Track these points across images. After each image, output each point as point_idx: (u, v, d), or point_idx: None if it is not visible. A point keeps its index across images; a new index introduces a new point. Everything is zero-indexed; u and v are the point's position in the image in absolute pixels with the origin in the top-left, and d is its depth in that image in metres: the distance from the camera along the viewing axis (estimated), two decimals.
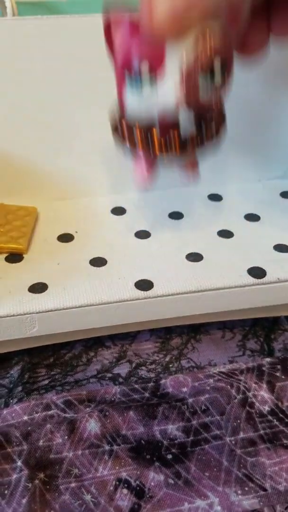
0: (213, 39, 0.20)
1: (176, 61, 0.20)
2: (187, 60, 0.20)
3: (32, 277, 0.26)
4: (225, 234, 0.30)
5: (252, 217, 0.31)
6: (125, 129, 0.23)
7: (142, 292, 0.25)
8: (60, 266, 0.27)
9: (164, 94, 0.20)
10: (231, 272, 0.26)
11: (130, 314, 0.25)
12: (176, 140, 0.22)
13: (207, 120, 0.23)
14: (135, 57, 0.20)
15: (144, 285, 0.26)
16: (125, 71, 0.21)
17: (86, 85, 0.30)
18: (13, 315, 0.24)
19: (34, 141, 0.31)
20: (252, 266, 0.27)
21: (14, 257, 0.27)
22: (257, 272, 0.26)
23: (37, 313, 0.24)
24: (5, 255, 0.27)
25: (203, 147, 0.23)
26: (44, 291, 0.25)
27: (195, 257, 0.28)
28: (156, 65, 0.20)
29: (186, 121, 0.23)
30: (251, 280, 0.26)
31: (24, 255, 0.28)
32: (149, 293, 0.25)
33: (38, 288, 0.25)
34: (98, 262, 0.27)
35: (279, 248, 0.28)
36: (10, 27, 0.28)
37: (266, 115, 0.33)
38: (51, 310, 0.24)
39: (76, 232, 0.30)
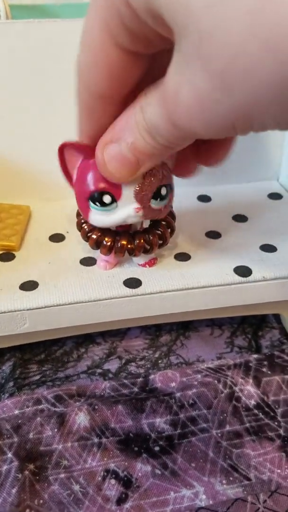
0: (159, 174, 0.24)
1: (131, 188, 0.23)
2: (139, 192, 0.23)
3: (23, 275, 0.27)
4: (213, 235, 0.30)
5: (240, 218, 0.32)
6: (85, 232, 0.27)
7: (131, 289, 0.26)
8: (51, 265, 0.28)
9: (124, 211, 0.24)
10: (217, 271, 0.27)
11: (119, 311, 0.26)
12: (124, 247, 0.26)
13: (154, 232, 0.27)
14: (96, 190, 0.23)
15: (132, 283, 0.26)
16: (88, 200, 0.24)
17: None
18: (4, 312, 0.24)
19: (28, 142, 0.32)
20: (238, 265, 0.27)
21: (7, 255, 0.28)
22: (243, 271, 0.27)
23: (27, 310, 0.25)
24: None
25: (153, 251, 0.27)
26: (35, 288, 0.26)
27: (183, 257, 0.28)
28: (116, 195, 0.24)
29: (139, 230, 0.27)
30: (237, 278, 0.27)
31: (16, 254, 0.28)
32: (137, 290, 0.26)
33: (29, 286, 0.26)
34: (88, 261, 0.28)
35: (266, 248, 0.29)
36: (3, 30, 0.28)
37: None
38: (42, 307, 0.25)
39: (68, 232, 0.31)
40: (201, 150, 0.23)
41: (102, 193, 0.23)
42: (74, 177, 0.24)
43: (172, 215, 0.28)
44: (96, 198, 0.24)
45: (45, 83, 0.30)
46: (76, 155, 0.24)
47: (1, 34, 0.29)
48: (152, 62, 0.19)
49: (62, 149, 0.24)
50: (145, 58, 0.19)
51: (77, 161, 0.24)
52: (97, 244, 0.26)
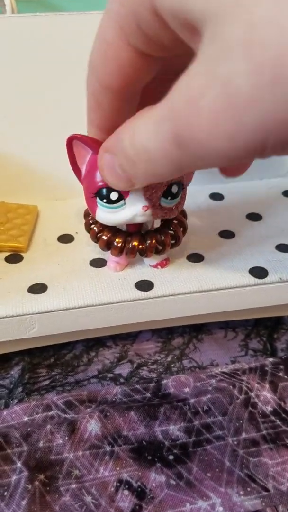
0: None
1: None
2: (148, 189, 0.22)
3: (31, 277, 0.26)
4: (227, 234, 0.29)
5: (254, 217, 0.31)
6: (94, 233, 0.26)
7: (143, 292, 0.25)
8: (60, 267, 0.27)
9: (132, 209, 0.23)
10: (232, 273, 0.26)
11: (130, 314, 0.25)
12: (135, 248, 0.25)
13: (167, 231, 0.26)
14: (103, 186, 0.23)
15: (144, 285, 0.25)
16: (95, 196, 0.23)
17: None
18: (13, 316, 0.23)
19: (36, 141, 0.31)
20: (253, 266, 0.27)
21: (14, 257, 0.27)
22: (258, 272, 0.26)
23: (36, 313, 0.24)
24: (5, 254, 0.27)
25: (165, 251, 0.26)
26: (44, 291, 0.25)
27: (196, 258, 0.28)
28: (124, 192, 0.23)
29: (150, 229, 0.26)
30: (253, 280, 0.26)
31: (24, 256, 0.28)
32: (150, 293, 0.25)
33: (38, 288, 0.25)
34: (98, 263, 0.27)
35: (281, 247, 0.28)
36: (10, 24, 0.28)
37: None
38: (51, 311, 0.24)
39: (77, 233, 0.30)
40: None
41: (109, 189, 0.22)
42: (83, 172, 0.24)
43: (183, 213, 0.27)
44: (103, 194, 0.23)
45: (52, 79, 0.30)
46: (85, 149, 0.23)
47: (7, 28, 0.28)
48: (165, 65, 0.18)
49: (70, 142, 0.23)
50: (157, 60, 0.18)
51: (86, 155, 0.23)
52: (107, 245, 0.25)
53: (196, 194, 0.33)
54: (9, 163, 0.31)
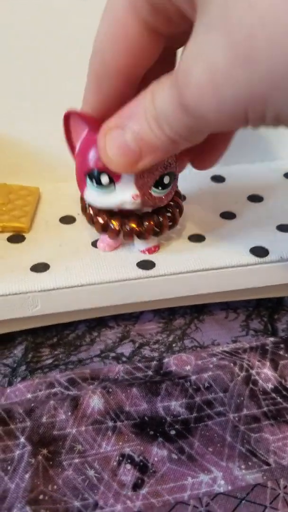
0: (163, 162, 0.22)
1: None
2: (140, 178, 0.22)
3: (34, 257, 0.26)
4: (228, 215, 0.29)
5: (255, 198, 0.31)
6: (90, 216, 0.26)
7: (144, 271, 0.25)
8: (62, 247, 0.27)
9: (121, 195, 0.23)
10: (233, 252, 0.26)
11: (132, 293, 0.25)
12: (133, 230, 0.25)
13: (164, 213, 0.26)
14: (95, 168, 0.22)
15: (146, 264, 0.26)
16: (86, 176, 0.23)
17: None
18: (15, 293, 0.24)
19: (38, 123, 0.31)
20: (254, 245, 0.27)
21: (17, 237, 0.27)
22: (259, 251, 0.26)
23: (39, 291, 0.24)
24: (7, 235, 0.27)
25: (160, 234, 0.26)
26: (46, 270, 0.25)
27: (197, 238, 0.28)
28: (115, 177, 0.22)
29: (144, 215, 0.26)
30: (253, 259, 0.26)
31: (25, 236, 0.28)
32: (151, 272, 0.25)
33: (40, 267, 0.25)
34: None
35: (282, 228, 0.28)
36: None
37: None
38: (53, 289, 0.24)
39: (78, 214, 0.30)
40: (196, 152, 0.23)
41: (101, 172, 0.22)
42: (77, 149, 0.23)
43: (178, 194, 0.27)
44: (94, 176, 0.22)
45: (53, 59, 0.29)
46: (82, 125, 0.23)
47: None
48: (168, 52, 0.19)
49: (68, 117, 0.23)
50: (163, 39, 0.18)
51: (82, 132, 0.23)
52: (103, 229, 0.25)
53: (197, 177, 0.33)
54: (11, 145, 0.31)
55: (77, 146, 0.23)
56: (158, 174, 0.22)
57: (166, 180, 0.23)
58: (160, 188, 0.23)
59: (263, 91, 0.14)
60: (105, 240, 0.26)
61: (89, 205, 0.26)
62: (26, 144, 0.32)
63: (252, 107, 0.15)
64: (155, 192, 0.23)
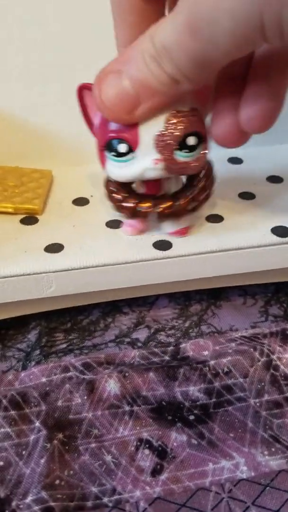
0: (185, 119, 0.20)
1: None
2: (160, 139, 0.20)
3: (47, 238, 0.25)
4: (247, 196, 0.29)
5: (275, 179, 0.30)
6: (115, 201, 0.25)
7: (161, 252, 0.24)
8: (76, 228, 0.26)
9: (142, 162, 0.21)
10: (253, 232, 0.25)
11: (148, 275, 0.25)
12: (147, 210, 0.24)
13: (193, 182, 0.24)
14: (112, 137, 0.21)
15: (163, 245, 0.25)
16: (105, 149, 0.22)
17: (107, 48, 0.29)
18: (29, 274, 0.23)
19: (50, 106, 0.30)
20: (276, 225, 0.26)
21: (29, 219, 0.27)
22: (281, 231, 0.25)
23: (53, 272, 0.23)
24: (20, 217, 0.27)
25: (194, 205, 0.24)
26: (61, 251, 0.24)
27: (215, 218, 0.27)
28: (132, 143, 0.21)
29: (171, 184, 0.24)
30: (275, 239, 0.25)
31: (39, 218, 0.27)
32: (168, 253, 0.24)
33: (54, 248, 0.24)
34: (115, 224, 0.27)
35: None
36: None
37: None
38: (68, 270, 0.23)
39: (92, 196, 0.29)
40: (244, 108, 0.20)
41: (117, 141, 0.21)
42: (96, 123, 0.23)
43: (211, 179, 0.25)
44: (111, 147, 0.21)
45: (68, 40, 0.29)
46: None
47: None
48: None
49: (81, 91, 0.22)
50: None
51: None
52: (133, 213, 0.24)
53: (214, 158, 0.31)
54: (23, 129, 0.31)
55: (95, 120, 0.23)
56: (180, 134, 0.21)
57: (191, 141, 0.21)
58: (184, 151, 0.21)
59: None
60: (132, 224, 0.25)
61: (116, 191, 0.24)
62: (39, 128, 0.31)
63: (267, 18, 0.14)
64: (181, 156, 0.21)
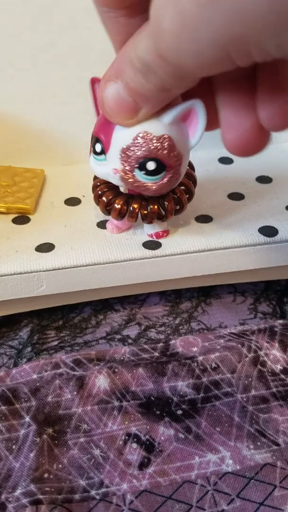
0: (152, 144, 0.21)
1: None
2: (123, 152, 0.21)
3: (39, 237, 0.26)
4: (236, 196, 0.29)
5: (264, 179, 0.31)
6: (97, 195, 0.25)
7: (150, 251, 0.25)
8: (67, 228, 0.27)
9: (107, 166, 0.22)
10: (241, 232, 0.26)
11: (138, 274, 0.25)
12: (135, 211, 0.24)
13: (170, 197, 0.24)
14: (95, 136, 0.22)
15: (152, 244, 0.25)
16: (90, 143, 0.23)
17: (99, 48, 0.29)
18: (20, 273, 0.23)
19: (43, 106, 0.31)
20: (263, 225, 0.26)
21: (21, 219, 0.27)
22: (268, 231, 0.26)
23: (44, 271, 0.24)
24: (12, 216, 0.27)
25: (168, 217, 0.25)
26: (51, 250, 0.25)
27: (204, 219, 0.27)
28: (105, 146, 0.22)
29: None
30: (263, 238, 0.25)
31: (31, 217, 0.27)
32: (157, 252, 0.25)
33: (45, 247, 0.25)
34: (105, 224, 0.27)
35: None
36: None
37: None
38: (59, 269, 0.24)
39: (83, 196, 0.30)
40: (262, 106, 0.18)
41: (97, 139, 0.22)
42: None
43: (193, 179, 0.26)
44: (93, 142, 0.22)
45: (60, 40, 0.29)
46: None
47: None
48: None
49: (93, 83, 0.23)
50: None
51: None
52: (107, 208, 0.25)
53: (205, 158, 0.32)
54: (16, 129, 0.31)
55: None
56: (141, 155, 0.21)
57: (150, 166, 0.21)
58: (143, 172, 0.21)
59: (241, 30, 0.13)
60: (113, 222, 0.26)
61: (100, 185, 0.25)
62: (31, 128, 0.31)
63: (234, 47, 0.14)
64: (139, 176, 0.22)
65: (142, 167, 0.21)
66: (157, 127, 0.21)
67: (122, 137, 0.21)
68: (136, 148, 0.21)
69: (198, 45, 0.14)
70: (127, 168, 0.21)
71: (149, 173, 0.21)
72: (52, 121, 0.31)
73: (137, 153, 0.21)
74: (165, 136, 0.21)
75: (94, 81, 0.23)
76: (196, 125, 0.21)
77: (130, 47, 0.18)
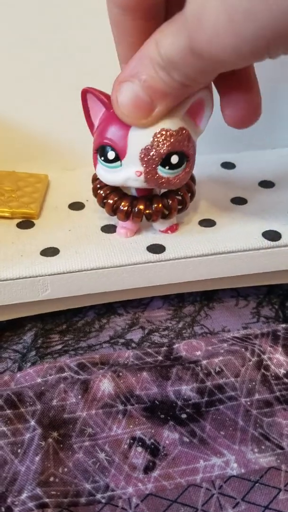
0: (172, 138, 0.21)
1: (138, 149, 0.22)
2: (145, 153, 0.22)
3: (43, 242, 0.26)
4: (239, 201, 0.29)
5: (267, 184, 0.31)
6: (101, 197, 0.26)
7: (154, 255, 0.25)
8: (72, 232, 0.27)
9: (126, 171, 0.22)
10: (244, 236, 0.26)
11: (142, 278, 0.25)
12: (141, 212, 0.25)
13: (174, 196, 0.25)
14: (105, 145, 0.22)
15: (156, 248, 0.25)
16: (97, 152, 0.23)
17: (102, 53, 0.29)
18: (25, 277, 0.24)
19: (47, 112, 0.31)
20: (266, 229, 0.26)
21: (26, 223, 0.27)
22: (272, 235, 0.26)
23: (49, 275, 0.24)
24: (17, 221, 0.27)
25: (172, 215, 0.26)
26: (56, 254, 0.25)
27: (207, 223, 0.27)
28: (120, 153, 0.22)
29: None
30: (266, 243, 0.25)
31: (35, 222, 0.28)
32: (161, 256, 0.25)
33: (50, 252, 0.25)
34: (110, 228, 0.27)
35: None
36: None
37: (280, 81, 0.33)
38: (63, 273, 0.24)
39: (87, 200, 0.30)
40: (226, 104, 0.22)
41: (108, 147, 0.22)
42: (95, 126, 0.24)
43: (191, 178, 0.26)
44: (101, 152, 0.23)
45: (67, 49, 0.29)
46: (98, 104, 0.23)
47: None
48: None
49: (84, 94, 0.23)
50: None
51: (100, 110, 0.23)
52: (113, 210, 0.25)
53: (208, 163, 0.32)
54: (20, 134, 0.31)
55: (96, 123, 0.24)
56: (165, 151, 0.22)
57: (174, 159, 0.22)
58: (167, 167, 0.22)
59: (286, 23, 0.13)
60: (124, 225, 0.26)
61: (101, 187, 0.26)
62: (35, 133, 0.32)
63: (276, 41, 0.14)
64: (163, 172, 0.22)
65: (165, 162, 0.22)
66: (173, 122, 0.21)
67: (139, 138, 0.21)
68: (158, 146, 0.21)
69: (240, 39, 0.14)
70: (150, 167, 0.22)
71: (173, 167, 0.22)
72: (55, 127, 0.31)
73: (160, 151, 0.22)
74: (183, 129, 0.22)
75: (86, 92, 0.23)
76: (203, 113, 0.23)
77: (151, 46, 0.18)
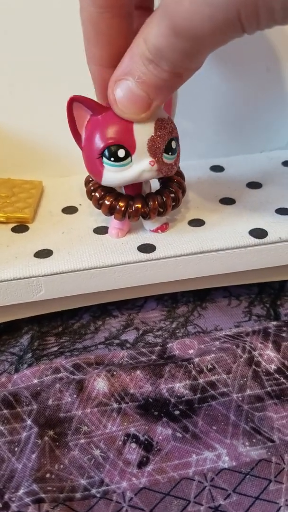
0: (168, 127, 0.24)
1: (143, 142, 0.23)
2: (152, 144, 0.23)
3: (37, 244, 0.26)
4: (227, 201, 0.30)
5: (254, 185, 0.31)
6: (96, 199, 0.26)
7: (145, 254, 0.26)
8: (65, 234, 0.28)
9: (139, 165, 0.23)
10: (232, 234, 0.27)
11: (134, 277, 0.26)
12: (139, 210, 0.26)
13: (167, 193, 0.26)
14: (110, 144, 0.23)
15: (146, 248, 0.26)
16: (101, 157, 0.23)
17: None
18: (20, 278, 0.24)
19: (41, 120, 0.32)
20: (253, 228, 0.27)
21: (20, 227, 0.28)
22: (258, 233, 0.26)
23: (43, 276, 0.24)
24: (11, 225, 0.28)
25: (167, 212, 0.27)
26: (50, 256, 0.25)
27: (196, 222, 0.28)
28: (130, 148, 0.23)
29: (146, 186, 0.27)
30: (253, 240, 0.26)
31: (29, 226, 0.28)
32: (152, 255, 0.25)
33: (44, 253, 0.26)
34: (101, 230, 0.28)
35: (281, 211, 0.28)
36: None
37: (268, 86, 0.33)
38: (57, 273, 0.25)
39: (80, 204, 0.30)
40: None
41: (116, 146, 0.23)
42: (83, 136, 0.24)
43: (181, 175, 0.27)
44: (111, 152, 0.23)
45: (57, 52, 0.30)
46: (85, 111, 0.23)
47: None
48: None
49: (70, 104, 0.23)
50: None
51: (85, 117, 0.23)
52: (110, 210, 0.26)
53: (197, 167, 0.33)
54: (15, 142, 0.32)
55: (83, 133, 0.24)
56: (166, 139, 0.23)
57: (174, 144, 0.24)
58: (170, 153, 0.24)
59: None
60: (116, 225, 0.27)
61: (95, 189, 0.26)
62: (30, 141, 0.32)
63: (244, 8, 0.16)
64: (166, 158, 0.24)
65: (167, 149, 0.24)
66: (162, 112, 0.24)
67: (143, 131, 0.23)
68: (161, 134, 0.23)
69: (214, 7, 0.16)
70: (158, 156, 0.23)
71: (173, 152, 0.24)
72: (49, 135, 0.32)
73: (164, 138, 0.23)
74: (169, 117, 0.24)
75: (73, 100, 0.23)
76: (171, 106, 0.26)
77: (139, 44, 0.19)
